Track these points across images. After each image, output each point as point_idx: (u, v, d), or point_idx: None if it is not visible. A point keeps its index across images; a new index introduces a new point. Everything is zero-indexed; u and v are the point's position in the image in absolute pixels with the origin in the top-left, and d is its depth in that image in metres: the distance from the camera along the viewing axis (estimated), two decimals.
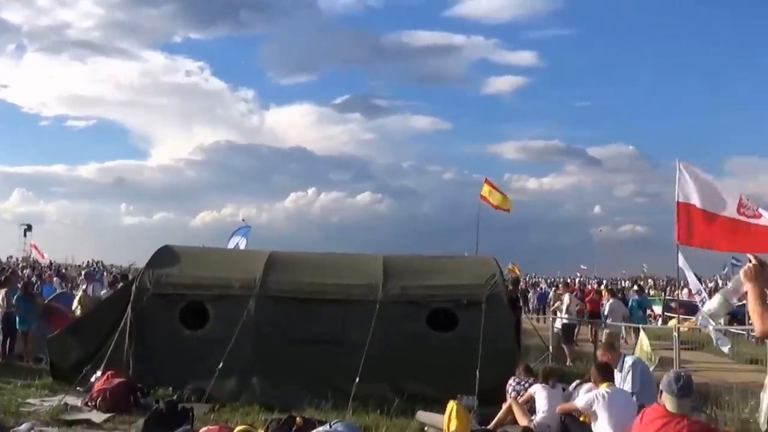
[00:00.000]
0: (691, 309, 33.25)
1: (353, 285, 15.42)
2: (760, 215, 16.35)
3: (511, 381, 12.88)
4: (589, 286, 43.75)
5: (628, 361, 12.09)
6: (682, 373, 7.55)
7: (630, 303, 27.46)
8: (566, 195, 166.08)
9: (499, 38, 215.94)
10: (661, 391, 7.19)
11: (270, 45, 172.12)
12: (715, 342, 18.49)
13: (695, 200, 17.47)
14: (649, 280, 67.46)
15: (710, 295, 38.82)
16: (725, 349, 16.83)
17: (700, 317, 5.48)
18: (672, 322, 23.18)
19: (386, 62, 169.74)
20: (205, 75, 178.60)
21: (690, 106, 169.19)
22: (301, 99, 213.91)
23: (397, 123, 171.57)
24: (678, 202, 17.82)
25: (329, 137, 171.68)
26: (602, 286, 34.51)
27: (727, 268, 52.32)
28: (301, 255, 18.33)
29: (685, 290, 39.88)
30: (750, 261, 5.46)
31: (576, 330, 25.61)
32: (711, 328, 5.23)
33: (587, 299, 28.33)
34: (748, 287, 5.30)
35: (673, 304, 32.66)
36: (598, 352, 12.92)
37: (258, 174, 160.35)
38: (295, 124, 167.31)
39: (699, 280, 52.01)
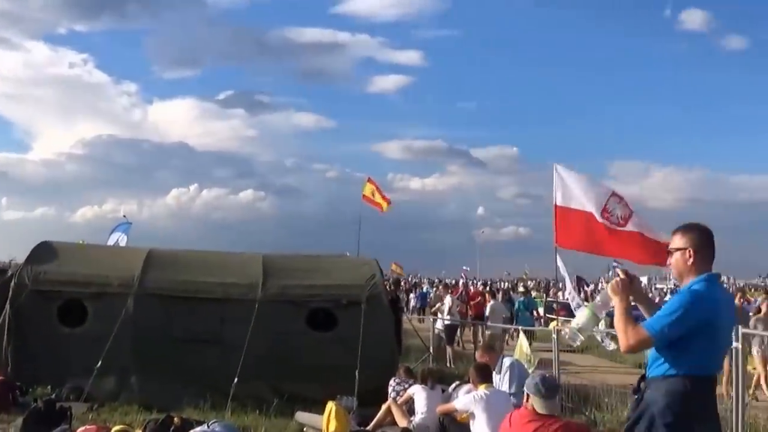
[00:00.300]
0: (571, 311, 33.87)
1: (232, 284, 15.32)
2: (625, 223, 16.71)
3: (391, 382, 13.01)
4: (472, 288, 44.20)
5: (506, 362, 12.26)
6: (547, 375, 7.77)
7: (516, 305, 27.83)
8: (449, 196, 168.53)
9: (386, 37, 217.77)
10: (528, 394, 7.39)
11: (155, 38, 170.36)
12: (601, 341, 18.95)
13: (571, 204, 17.80)
14: (529, 282, 68.35)
15: (586, 298, 39.71)
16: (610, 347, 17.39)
17: (567, 331, 5.49)
18: (553, 324, 23.61)
19: (271, 58, 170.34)
20: (89, 67, 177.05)
21: (575, 110, 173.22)
22: (185, 94, 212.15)
23: (280, 120, 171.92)
24: (555, 205, 18.14)
25: (212, 133, 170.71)
26: (487, 288, 34.96)
27: (611, 271, 53.30)
28: (180, 253, 18.12)
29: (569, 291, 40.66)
30: (618, 275, 5.60)
31: (459, 331, 25.97)
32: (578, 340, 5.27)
33: (473, 302, 28.63)
34: (615, 301, 5.43)
35: (555, 306, 33.16)
36: (477, 354, 13.08)
37: (140, 169, 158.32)
38: (178, 119, 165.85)
39: (583, 281, 53.12)
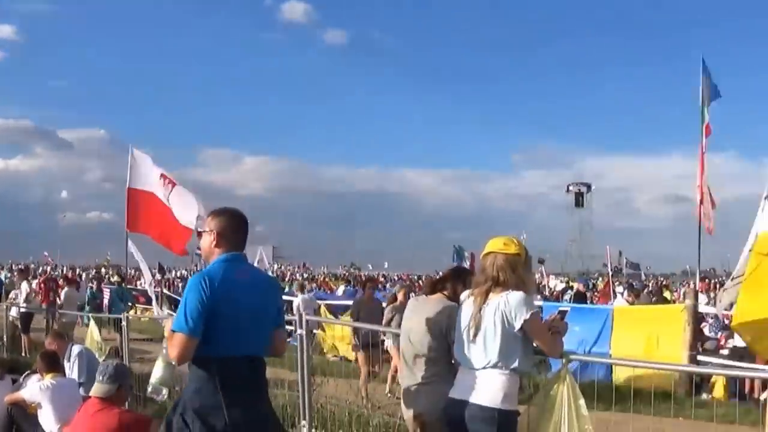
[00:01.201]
0: (149, 298, 34.11)
1: None
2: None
3: None
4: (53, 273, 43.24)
5: (75, 350, 12.14)
6: (111, 363, 8.04)
7: (111, 293, 27.45)
8: (33, 178, 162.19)
9: None
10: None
11: None
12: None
13: (140, 185, 17.76)
14: (103, 269, 66.33)
15: (168, 286, 40.22)
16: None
17: (150, 388, 5.56)
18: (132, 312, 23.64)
19: None
20: None
21: (166, 96, 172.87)
22: None
23: None
24: (128, 189, 18.04)
25: None
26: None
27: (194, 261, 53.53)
28: None
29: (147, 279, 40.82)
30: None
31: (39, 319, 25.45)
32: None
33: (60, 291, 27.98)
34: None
35: (133, 293, 33.06)
36: (46, 341, 12.87)
37: None
38: None
39: (164, 269, 53.38)
